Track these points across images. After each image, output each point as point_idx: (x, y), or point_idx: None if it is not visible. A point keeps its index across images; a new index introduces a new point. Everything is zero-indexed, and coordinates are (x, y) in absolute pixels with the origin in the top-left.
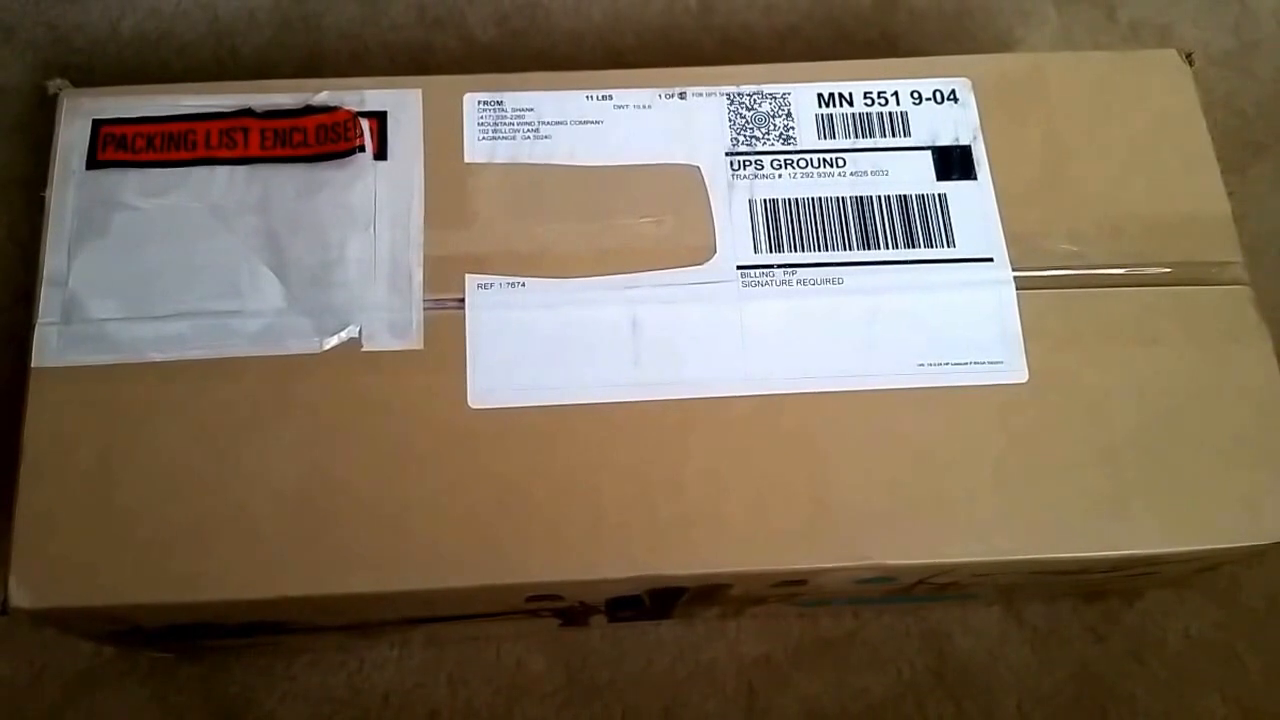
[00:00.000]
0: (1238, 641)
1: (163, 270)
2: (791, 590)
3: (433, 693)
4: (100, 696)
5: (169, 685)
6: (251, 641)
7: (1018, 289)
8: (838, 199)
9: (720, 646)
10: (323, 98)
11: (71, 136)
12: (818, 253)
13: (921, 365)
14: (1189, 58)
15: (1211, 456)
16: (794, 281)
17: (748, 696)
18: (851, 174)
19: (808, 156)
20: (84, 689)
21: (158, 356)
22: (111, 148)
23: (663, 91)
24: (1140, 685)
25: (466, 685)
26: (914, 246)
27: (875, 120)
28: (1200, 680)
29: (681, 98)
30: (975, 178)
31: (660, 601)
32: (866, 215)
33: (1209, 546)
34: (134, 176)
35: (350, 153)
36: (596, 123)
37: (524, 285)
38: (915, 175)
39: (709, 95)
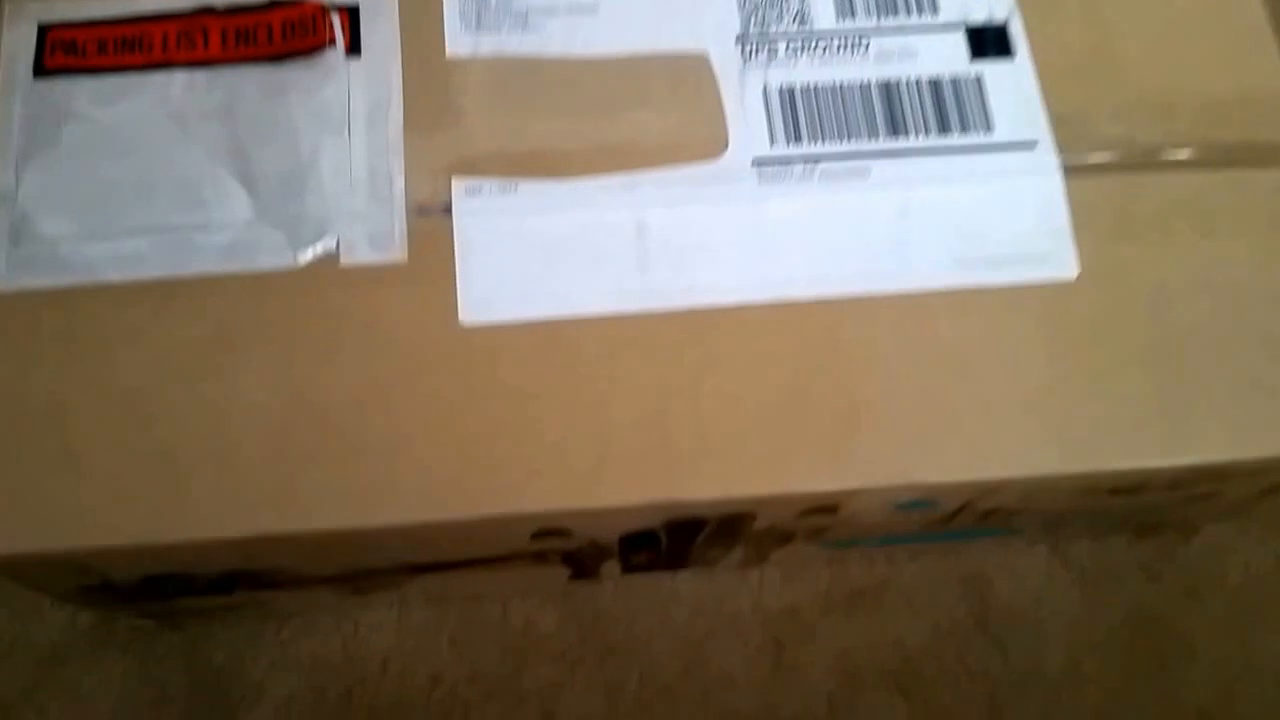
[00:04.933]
0: None
1: (119, 184)
2: (821, 522)
3: (434, 656)
4: (75, 670)
5: (149, 655)
6: (234, 601)
7: (1064, 175)
8: (862, 84)
9: (743, 599)
10: None
11: (16, 43)
12: (841, 143)
13: (960, 263)
14: None
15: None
16: (815, 175)
17: (774, 651)
18: (876, 57)
19: (827, 39)
20: (58, 662)
21: (116, 277)
22: (60, 53)
23: None
24: (1199, 626)
25: (471, 647)
26: (947, 133)
27: None
28: (1263, 619)
29: None
30: (1013, 56)
31: (678, 539)
32: (894, 101)
33: None
34: (85, 84)
35: (319, 50)
36: (591, 8)
37: (516, 189)
38: (946, 56)
39: None
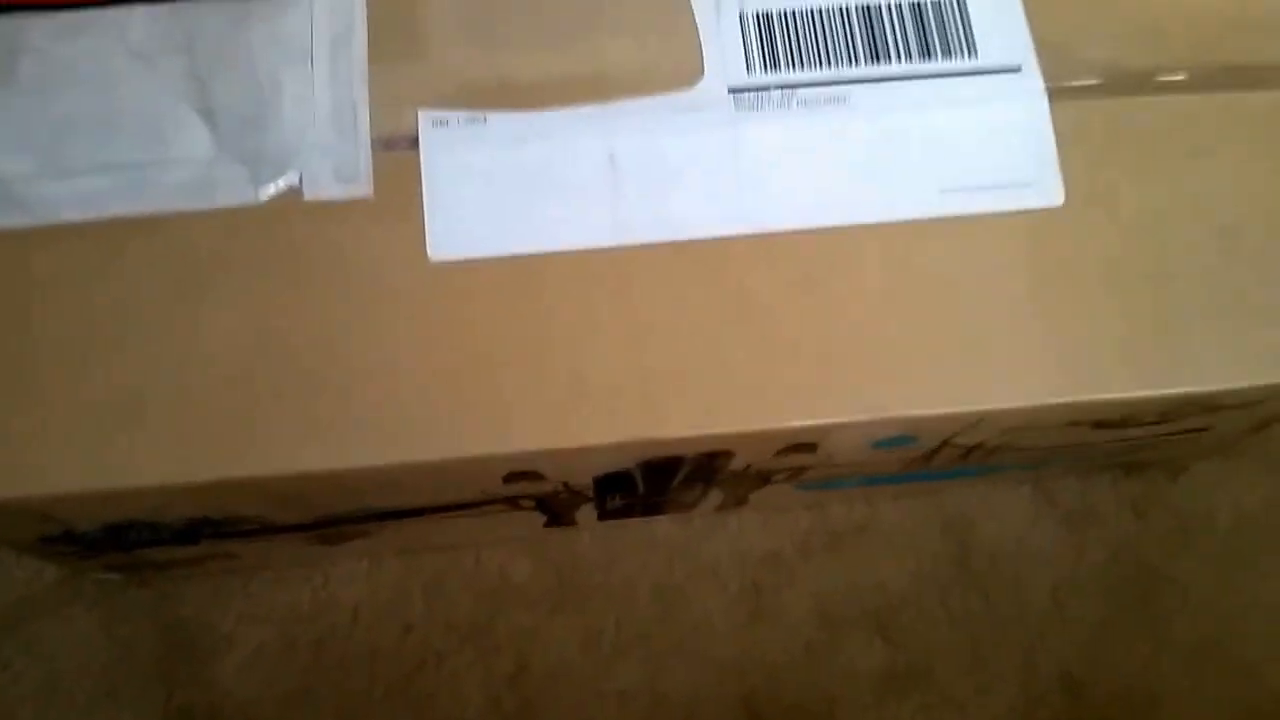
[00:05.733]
0: None
1: (77, 121)
2: (799, 461)
3: (407, 605)
4: (40, 626)
5: (116, 611)
6: (201, 553)
7: (1050, 100)
8: (840, 6)
9: (721, 543)
10: None
11: None
12: (819, 69)
13: (943, 191)
14: None
15: (1275, 279)
16: (793, 103)
17: (754, 595)
18: None
19: None
20: (22, 618)
21: (75, 216)
22: None
23: None
24: (1188, 567)
25: (444, 596)
26: (929, 57)
27: None
28: (1255, 560)
29: None
30: None
31: (654, 481)
32: (873, 22)
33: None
34: (42, 19)
35: None
36: None
37: (485, 121)
38: None
39: None
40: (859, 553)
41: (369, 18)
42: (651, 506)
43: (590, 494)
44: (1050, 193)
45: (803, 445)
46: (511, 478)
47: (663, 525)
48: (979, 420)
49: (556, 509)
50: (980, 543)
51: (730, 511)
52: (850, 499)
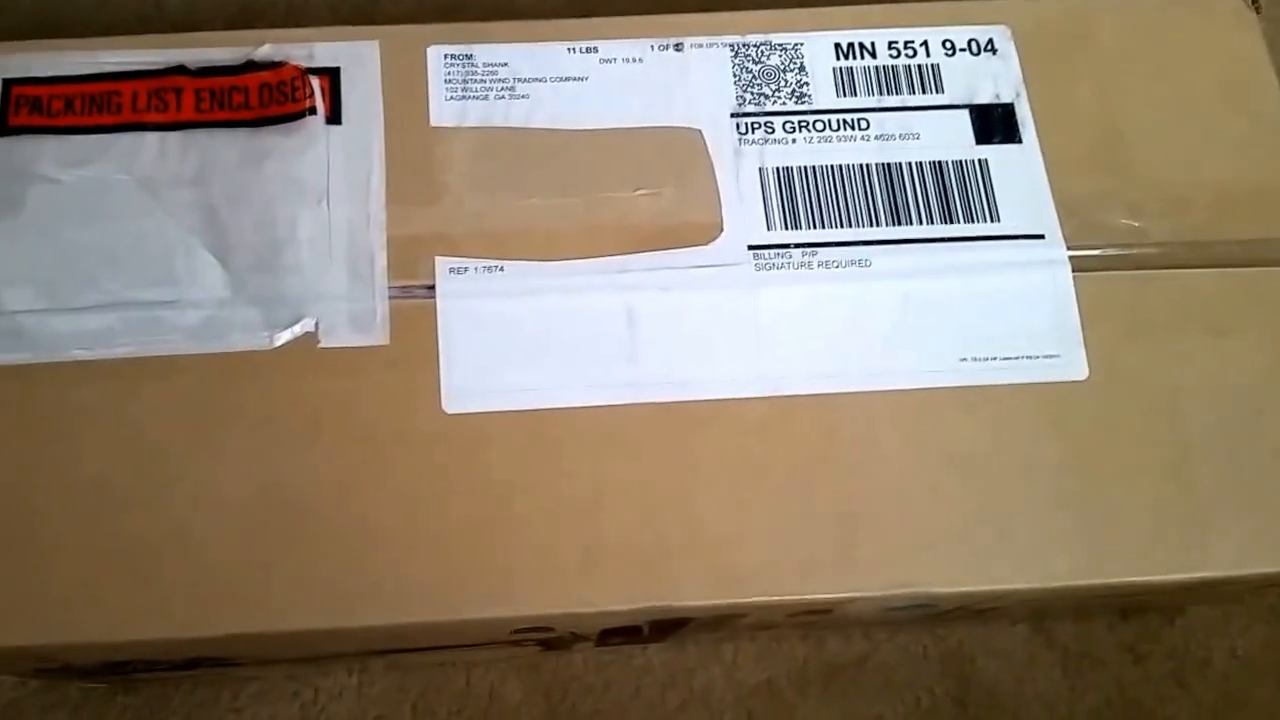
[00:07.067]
0: None
1: (86, 253)
2: (813, 619)
3: None
4: None
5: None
6: (193, 673)
7: (1073, 270)
8: (862, 167)
9: (716, 672)
10: (265, 51)
11: None
12: (841, 230)
13: (964, 360)
14: (1255, 4)
15: None
16: (814, 264)
17: None
18: (877, 137)
19: (825, 118)
20: None
21: (82, 354)
22: (25, 111)
23: (656, 43)
24: (1184, 711)
25: (433, 716)
26: (952, 222)
27: (902, 74)
28: (1250, 704)
29: (678, 50)
30: (1020, 140)
31: (661, 629)
32: (896, 185)
33: None
34: (51, 145)
35: (299, 115)
36: (581, 79)
37: (502, 269)
38: (951, 138)
39: (710, 47)
40: (857, 686)
41: (387, 160)
42: (652, 640)
43: (594, 636)
44: (1074, 367)
45: (818, 610)
46: (520, 630)
47: (658, 650)
48: (1000, 595)
49: (555, 644)
50: (979, 680)
51: (728, 640)
52: (848, 631)
